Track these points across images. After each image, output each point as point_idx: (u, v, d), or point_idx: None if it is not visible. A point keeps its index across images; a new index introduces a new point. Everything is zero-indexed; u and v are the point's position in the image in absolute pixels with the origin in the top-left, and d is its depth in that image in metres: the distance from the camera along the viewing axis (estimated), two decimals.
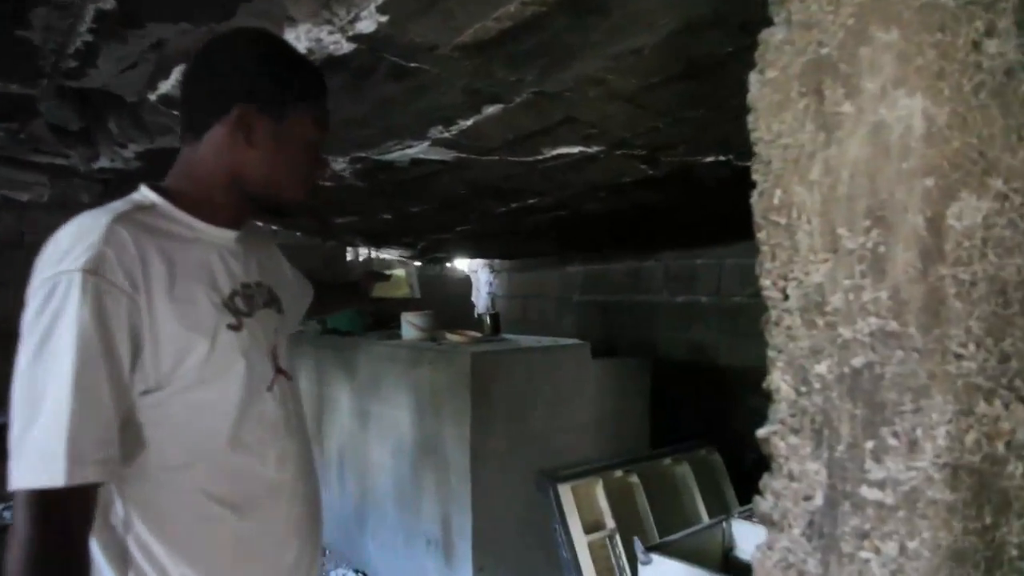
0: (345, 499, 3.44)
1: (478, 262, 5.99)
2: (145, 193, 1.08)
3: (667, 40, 1.55)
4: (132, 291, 0.94)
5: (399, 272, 2.10)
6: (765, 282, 0.86)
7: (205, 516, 1.03)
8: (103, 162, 2.92)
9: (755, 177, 0.89)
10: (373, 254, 5.21)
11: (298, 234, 4.72)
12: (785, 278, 0.83)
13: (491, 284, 5.98)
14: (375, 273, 2.01)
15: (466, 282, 5.89)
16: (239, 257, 1.15)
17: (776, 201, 0.86)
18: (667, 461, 3.02)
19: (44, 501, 0.86)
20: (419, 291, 2.14)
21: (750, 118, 0.89)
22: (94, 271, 0.91)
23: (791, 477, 0.82)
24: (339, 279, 4.75)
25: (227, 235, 1.13)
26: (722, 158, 2.26)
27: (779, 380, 0.83)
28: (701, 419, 3.88)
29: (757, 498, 0.85)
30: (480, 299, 6.00)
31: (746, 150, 2.16)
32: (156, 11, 1.54)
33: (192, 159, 1.11)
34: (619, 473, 2.80)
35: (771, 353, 0.86)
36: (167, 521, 1.00)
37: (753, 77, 0.89)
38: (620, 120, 2.00)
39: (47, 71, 1.94)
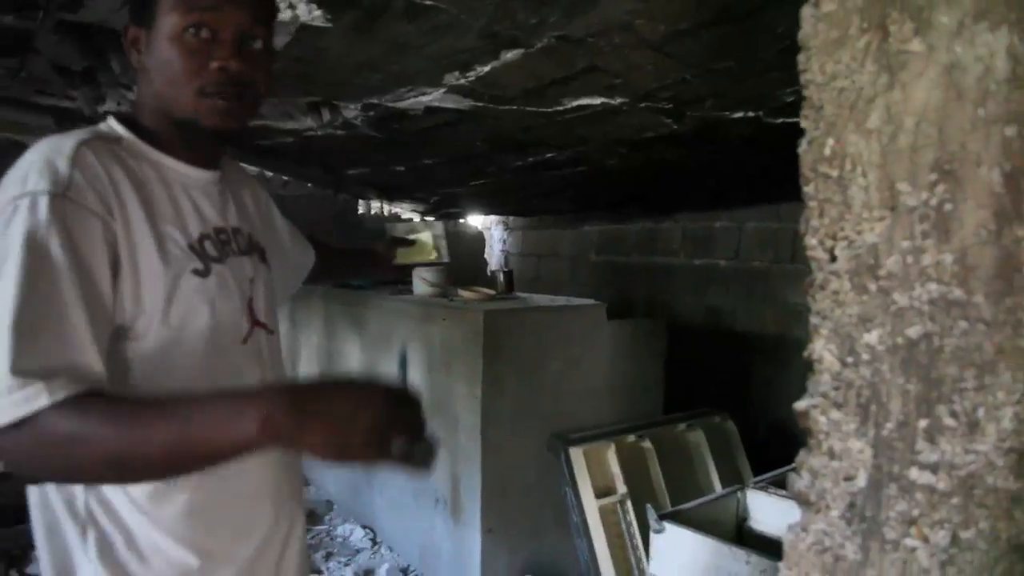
0: None
1: (492, 218, 5.91)
2: (111, 124, 1.00)
3: None
4: (105, 214, 0.87)
5: (424, 236, 1.92)
6: (811, 241, 0.79)
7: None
8: (109, 104, 2.85)
9: (804, 124, 0.80)
10: (385, 207, 5.14)
11: (309, 185, 4.64)
12: (834, 237, 0.75)
13: (505, 241, 5.91)
14: (397, 239, 1.83)
15: (479, 238, 5.81)
16: (213, 199, 1.06)
17: (827, 151, 0.77)
18: (681, 427, 2.97)
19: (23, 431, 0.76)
20: (447, 254, 1.96)
21: (801, 58, 0.80)
22: (62, 194, 0.84)
23: (831, 455, 0.75)
24: (352, 236, 4.70)
25: (199, 174, 1.04)
26: (750, 114, 2.16)
27: (822, 350, 0.76)
28: (716, 386, 3.83)
29: (792, 475, 0.79)
30: (493, 256, 5.93)
31: (776, 106, 2.06)
32: None
33: (139, 92, 1.03)
34: (632, 438, 2.76)
35: (814, 320, 0.79)
36: None
37: (806, 11, 0.80)
38: (646, 70, 1.90)
39: (43, 2, 1.86)
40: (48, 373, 0.77)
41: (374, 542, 3.24)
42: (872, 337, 0.71)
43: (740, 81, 1.93)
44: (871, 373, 0.71)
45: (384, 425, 0.76)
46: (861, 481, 0.72)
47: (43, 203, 0.82)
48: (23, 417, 0.75)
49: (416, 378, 2.89)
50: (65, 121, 3.43)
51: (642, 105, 2.13)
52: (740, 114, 2.16)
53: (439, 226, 1.90)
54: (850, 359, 0.73)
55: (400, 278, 3.27)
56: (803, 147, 0.81)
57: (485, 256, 5.89)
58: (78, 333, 0.82)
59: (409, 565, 3.02)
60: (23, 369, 0.76)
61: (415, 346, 2.91)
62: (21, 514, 1.01)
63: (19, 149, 2.78)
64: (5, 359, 0.75)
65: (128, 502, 0.93)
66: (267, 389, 0.86)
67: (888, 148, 0.70)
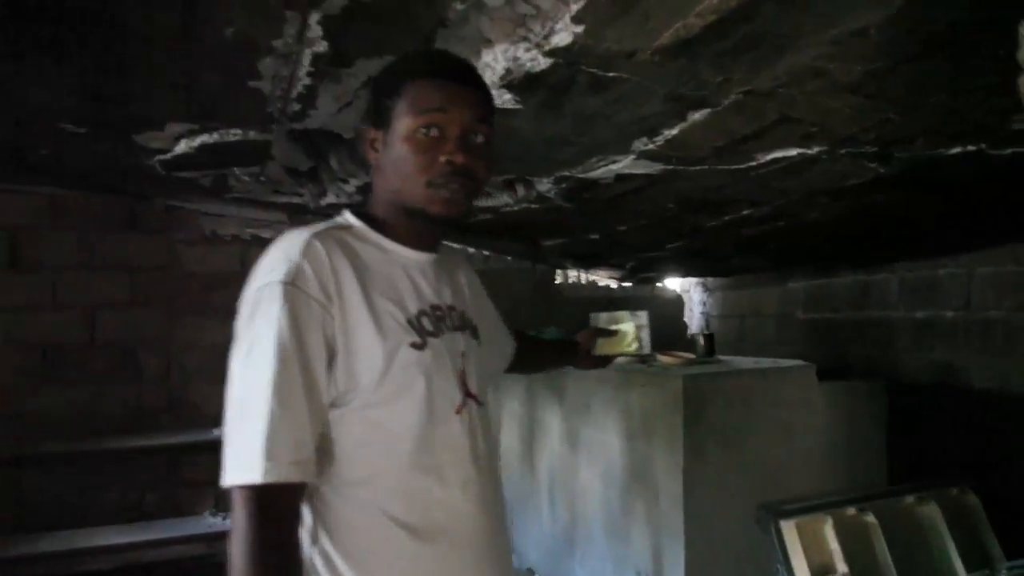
0: (555, 523, 3.40)
1: (690, 281, 5.76)
2: (346, 216, 1.17)
3: (898, 15, 1.34)
4: (325, 300, 0.98)
5: (626, 326, 1.85)
6: None
7: (384, 536, 1.02)
8: (330, 198, 3.15)
9: None
10: (582, 276, 5.19)
11: (509, 258, 4.81)
12: None
13: (705, 304, 5.72)
14: (599, 329, 1.82)
15: (678, 302, 5.68)
16: (430, 279, 1.16)
17: None
18: (910, 499, 2.64)
19: (253, 497, 0.90)
20: (650, 345, 1.85)
21: None
22: (292, 282, 0.97)
23: None
24: (551, 305, 4.78)
25: (419, 256, 1.15)
26: (971, 148, 1.94)
27: None
28: (950, 454, 3.39)
29: None
30: (693, 320, 5.76)
31: (1003, 135, 1.85)
32: (361, 48, 1.60)
33: (374, 185, 1.18)
34: (852, 511, 2.49)
35: None
36: (348, 536, 1.01)
37: None
38: (844, 115, 1.79)
39: (276, 116, 2.11)
40: (290, 456, 0.93)
41: None
42: None
43: (955, 113, 1.76)
44: None
45: None
46: None
47: (281, 292, 0.96)
48: (272, 483, 0.90)
49: (615, 447, 2.83)
50: (295, 215, 3.85)
51: (842, 151, 2.00)
52: (958, 149, 1.95)
53: (643, 316, 1.85)
54: None
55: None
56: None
57: (684, 320, 5.73)
58: (306, 427, 0.96)
59: None
60: (273, 450, 0.91)
61: (613, 414, 2.86)
62: None
63: (259, 242, 3.16)
64: (262, 431, 0.91)
65: (348, 562, 1.01)
66: None
67: None
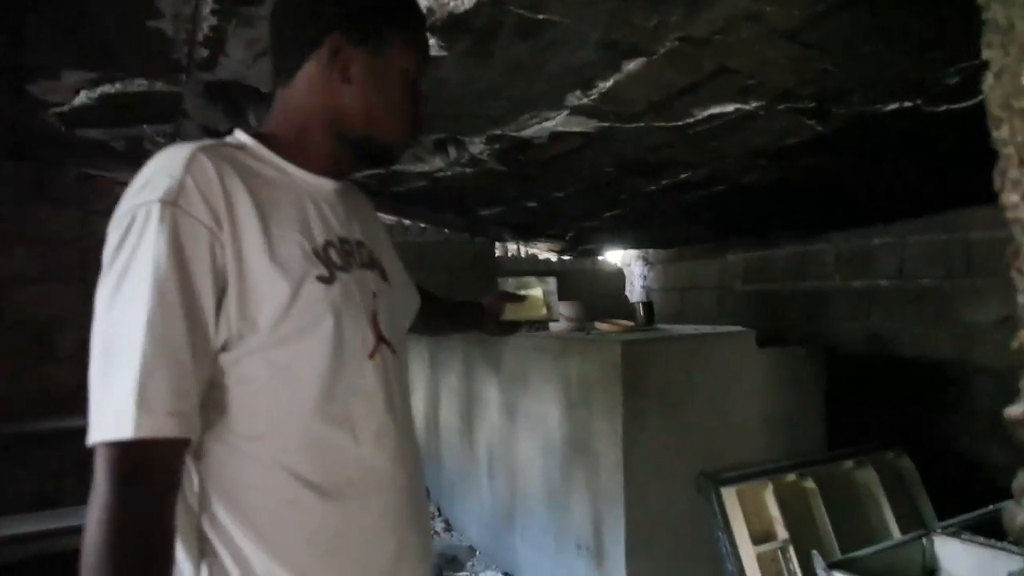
0: (495, 499, 3.33)
1: (631, 254, 5.74)
2: (237, 135, 0.98)
3: None
4: (214, 224, 0.83)
5: (535, 292, 1.80)
6: (1010, 198, 0.61)
7: (288, 498, 0.87)
8: None
9: (987, 54, 0.63)
10: (522, 248, 5.11)
11: (446, 231, 4.70)
12: None
13: (645, 277, 5.72)
14: (506, 293, 1.71)
15: (619, 276, 5.66)
16: (336, 209, 1.01)
17: None
18: (848, 464, 2.65)
19: (121, 458, 0.76)
20: (559, 312, 1.83)
21: None
22: (173, 202, 0.81)
23: None
24: (491, 279, 4.69)
25: (324, 184, 1.01)
26: (907, 104, 1.91)
27: None
28: (885, 418, 3.44)
29: (1009, 505, 0.60)
30: (634, 293, 5.74)
31: (938, 91, 1.80)
32: None
33: (285, 101, 1.00)
34: (792, 477, 2.48)
35: (1022, 299, 0.61)
36: (247, 501, 0.87)
37: None
38: (782, 65, 1.73)
39: (183, 63, 1.95)
40: (167, 406, 0.78)
41: None
42: None
43: (892, 66, 1.72)
44: None
45: None
46: None
47: (159, 212, 0.80)
48: (145, 439, 0.76)
49: (555, 417, 2.76)
50: None
51: (781, 107, 1.95)
52: (895, 105, 1.92)
53: (552, 282, 1.77)
54: None
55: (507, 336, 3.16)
56: (988, 81, 0.64)
57: (626, 294, 5.72)
58: (189, 373, 0.81)
59: None
60: (148, 399, 0.77)
61: (552, 384, 2.79)
62: None
63: None
64: (133, 377, 0.76)
65: (246, 530, 0.87)
66: None
67: None
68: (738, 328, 2.88)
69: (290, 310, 0.87)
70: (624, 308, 5.26)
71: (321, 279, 0.91)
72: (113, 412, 0.76)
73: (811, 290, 4.10)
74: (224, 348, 0.85)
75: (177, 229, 0.80)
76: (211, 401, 0.85)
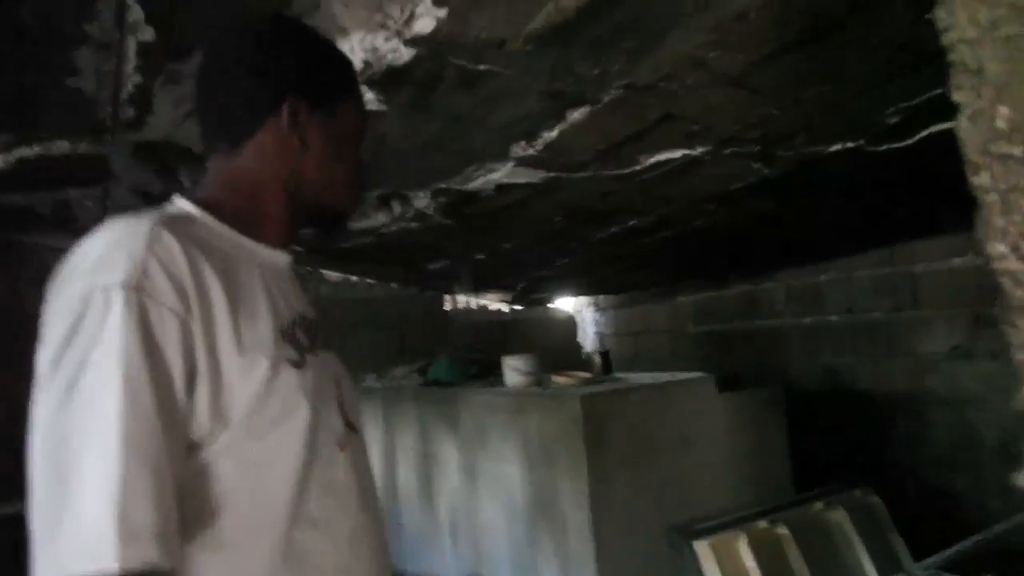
0: (460, 564, 3.20)
1: (582, 300, 5.73)
2: (179, 204, 0.88)
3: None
4: (184, 312, 0.73)
5: None
6: (996, 248, 0.58)
7: None
8: None
9: (958, 97, 0.61)
10: (473, 302, 5.04)
11: (394, 285, 4.61)
12: None
13: (597, 323, 5.70)
14: None
15: (571, 323, 5.63)
16: (293, 285, 0.94)
17: (1001, 124, 0.57)
18: (818, 506, 2.62)
19: None
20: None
21: (940, 13, 0.61)
22: (136, 286, 0.70)
23: None
24: (444, 334, 4.61)
25: (279, 257, 0.93)
26: (850, 145, 1.94)
27: None
28: (846, 454, 3.44)
29: None
30: (587, 340, 5.72)
31: (879, 131, 1.82)
32: (196, 36, 1.40)
33: (230, 170, 0.92)
34: (764, 524, 2.43)
35: (1020, 355, 0.57)
36: None
37: None
38: (727, 110, 1.74)
39: (108, 124, 1.86)
40: (153, 528, 0.67)
41: None
42: None
43: (835, 108, 1.74)
44: None
45: None
46: None
47: (119, 299, 0.70)
48: (134, 572, 0.64)
49: (516, 477, 2.68)
50: None
51: (727, 152, 1.96)
52: (838, 146, 1.95)
53: None
54: None
55: (491, 368, 3.09)
56: (963, 125, 0.61)
57: (579, 341, 5.69)
58: (169, 485, 0.70)
59: None
60: (131, 520, 0.65)
61: (512, 442, 2.71)
62: None
63: None
64: (112, 496, 0.65)
65: None
66: None
67: None
68: (697, 374, 2.85)
69: (266, 399, 0.78)
70: (578, 356, 5.23)
71: (293, 364, 0.82)
72: (84, 540, 0.64)
73: (763, 328, 4.13)
74: (194, 448, 0.75)
75: (146, 318, 0.70)
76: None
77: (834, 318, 3.74)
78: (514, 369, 2.82)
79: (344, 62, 1.01)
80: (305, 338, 0.87)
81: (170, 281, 0.73)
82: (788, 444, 2.93)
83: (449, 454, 3.20)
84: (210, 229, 0.86)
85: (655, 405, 2.55)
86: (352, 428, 0.93)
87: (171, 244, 0.75)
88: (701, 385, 2.71)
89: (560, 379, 2.79)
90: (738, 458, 2.72)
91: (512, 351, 2.92)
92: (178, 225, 0.80)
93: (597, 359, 3.10)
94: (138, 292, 0.70)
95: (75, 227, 2.96)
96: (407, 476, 3.72)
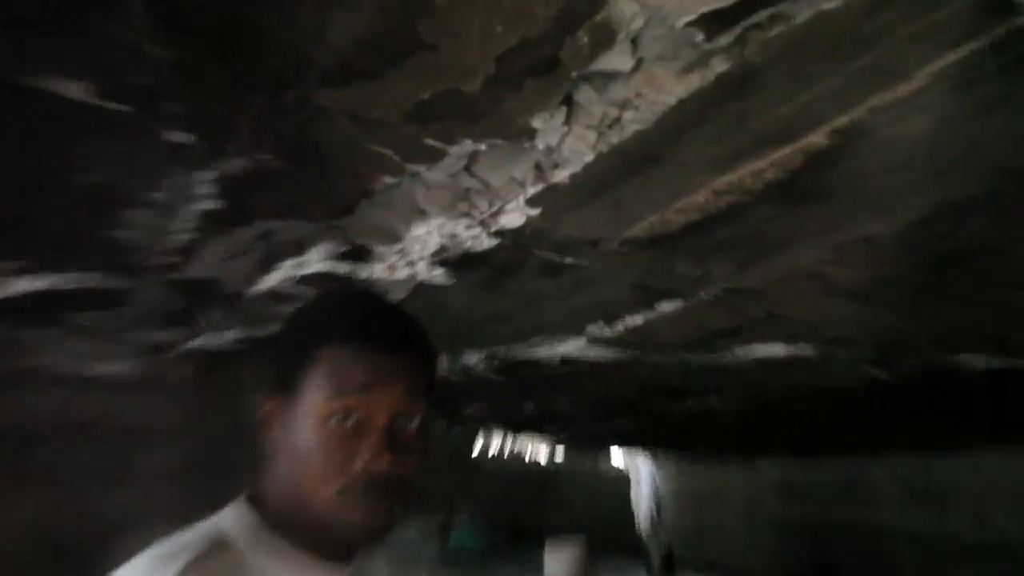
0: None
1: (637, 451, 5.74)
2: (223, 521, 0.90)
3: (911, 227, 1.40)
4: None
5: None
6: None
7: None
8: (199, 341, 3.03)
9: None
10: (506, 449, 5.09)
11: None
12: None
13: (655, 479, 5.67)
14: None
15: (623, 482, 5.62)
16: None
17: None
18: None
19: None
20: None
21: None
22: None
23: None
24: (468, 479, 4.64)
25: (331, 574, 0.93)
26: (995, 364, 2.02)
27: None
28: None
29: None
30: (641, 501, 5.67)
31: (1012, 345, 1.89)
32: (267, 208, 1.57)
33: (268, 468, 0.96)
34: None
35: None
36: None
37: None
38: (842, 317, 1.83)
39: (146, 266, 2.02)
40: None
41: None
42: None
43: (975, 323, 1.82)
44: None
45: None
46: None
47: None
48: None
49: None
50: (148, 354, 3.65)
51: (837, 354, 2.04)
52: (974, 356, 2.02)
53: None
54: None
55: (522, 534, 3.09)
56: None
57: (631, 495, 5.64)
58: None
59: None
60: None
61: None
62: None
63: (98, 387, 2.85)
64: None
65: None
66: None
67: None
68: None
69: None
70: (630, 528, 5.15)
71: None
72: None
73: (866, 524, 4.04)
74: None
75: None
76: None
77: (959, 527, 3.58)
78: (557, 562, 2.86)
79: (311, 323, 0.95)
80: None
81: None
82: None
83: None
84: (252, 553, 0.87)
85: None
86: None
87: None
88: None
89: None
90: None
91: (550, 515, 2.95)
92: (212, 566, 0.81)
93: (656, 561, 3.09)
94: None
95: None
96: None
